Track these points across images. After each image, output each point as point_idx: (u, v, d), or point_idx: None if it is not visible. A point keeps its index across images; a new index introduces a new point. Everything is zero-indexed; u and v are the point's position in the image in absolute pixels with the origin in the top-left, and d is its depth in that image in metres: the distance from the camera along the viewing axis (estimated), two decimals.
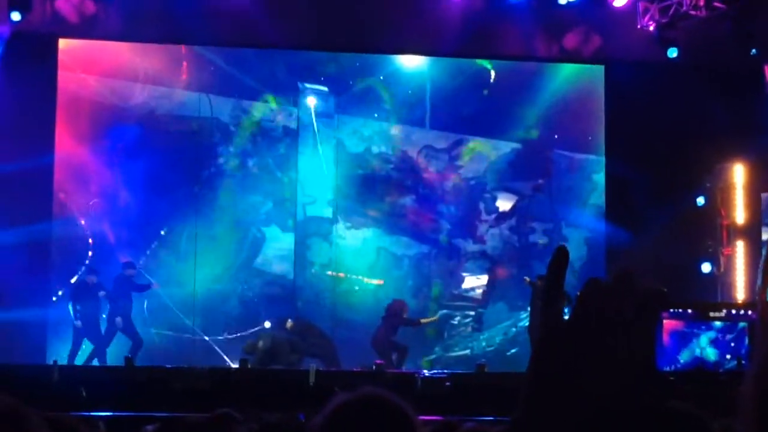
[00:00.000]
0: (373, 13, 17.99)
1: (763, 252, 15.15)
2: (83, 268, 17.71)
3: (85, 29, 17.95)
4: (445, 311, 19.35)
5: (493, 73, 19.56)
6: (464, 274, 19.54)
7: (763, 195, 18.60)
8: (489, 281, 19.49)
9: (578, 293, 1.23)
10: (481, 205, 19.63)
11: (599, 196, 19.48)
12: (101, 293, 17.05)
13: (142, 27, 17.85)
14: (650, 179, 18.06)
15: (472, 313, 19.45)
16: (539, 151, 19.63)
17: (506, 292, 19.29)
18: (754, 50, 17.34)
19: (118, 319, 16.96)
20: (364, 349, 17.20)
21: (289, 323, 17.41)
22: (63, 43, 18.19)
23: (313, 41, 18.56)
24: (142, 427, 5.41)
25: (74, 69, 18.38)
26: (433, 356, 18.97)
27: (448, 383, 13.82)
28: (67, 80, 18.30)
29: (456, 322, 19.41)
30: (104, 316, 17.18)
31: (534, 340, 1.22)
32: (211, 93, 18.97)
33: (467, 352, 19.22)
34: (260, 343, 16.61)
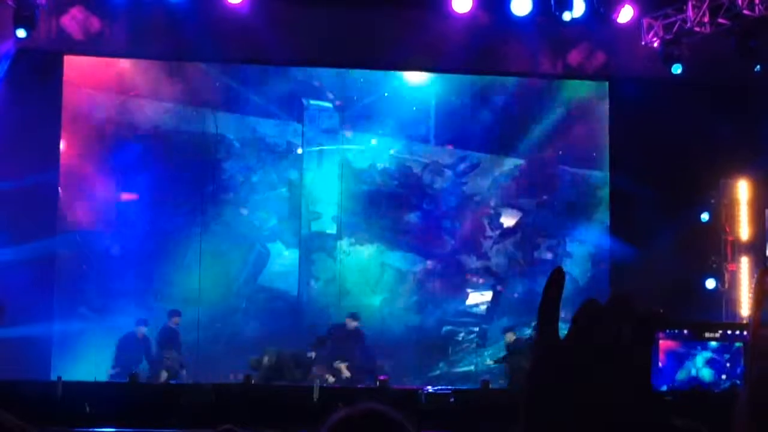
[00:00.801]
0: (377, 29, 18.03)
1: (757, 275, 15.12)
2: (136, 321, 17.52)
3: (91, 46, 17.99)
4: (449, 327, 19.35)
5: (508, 87, 19.57)
6: (468, 290, 19.53)
7: None
8: (493, 297, 19.48)
9: (575, 313, 1.23)
10: (486, 221, 19.63)
11: (604, 212, 19.47)
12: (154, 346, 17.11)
13: (147, 44, 17.90)
14: (655, 195, 18.06)
15: (476, 329, 19.43)
16: (544, 167, 19.63)
17: (510, 309, 19.26)
18: (758, 66, 17.36)
19: (183, 372, 16.92)
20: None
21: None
22: (68, 59, 18.23)
23: (317, 58, 18.59)
24: None
25: (79, 85, 18.41)
26: (438, 372, 18.95)
27: (452, 399, 13.81)
28: (72, 97, 18.34)
29: (460, 339, 19.39)
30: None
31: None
32: (216, 109, 19.00)
33: (471, 368, 19.19)
34: (265, 359, 16.60)
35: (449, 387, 15.26)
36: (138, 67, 18.56)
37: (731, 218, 18.80)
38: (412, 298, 19.29)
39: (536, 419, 1.21)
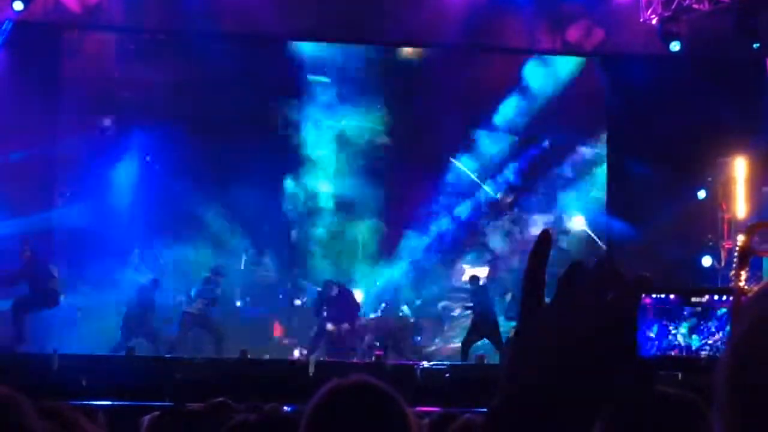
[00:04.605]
0: (374, 4, 17.97)
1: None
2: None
3: (88, 19, 17.92)
4: (445, 302, 19.38)
5: (505, 63, 19.51)
6: (465, 265, 19.54)
7: (765, 189, 18.57)
8: (489, 273, 19.48)
9: (560, 277, 1.23)
10: (482, 198, 19.63)
11: (600, 189, 19.47)
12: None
13: (145, 17, 17.84)
14: (651, 172, 18.05)
15: (472, 304, 19.44)
16: (541, 143, 19.61)
17: (506, 284, 19.26)
18: (756, 44, 17.31)
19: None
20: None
21: None
22: (66, 32, 18.17)
23: (315, 32, 18.53)
24: (141, 416, 5.41)
25: (76, 58, 18.36)
26: (433, 348, 18.98)
27: (447, 374, 13.83)
28: (69, 70, 18.28)
29: (456, 314, 19.41)
30: None
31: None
32: (214, 84, 18.92)
33: None
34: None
35: (445, 362, 15.29)
36: (136, 41, 18.47)
37: (728, 196, 18.77)
38: (409, 274, 19.30)
39: (520, 385, 1.20)
